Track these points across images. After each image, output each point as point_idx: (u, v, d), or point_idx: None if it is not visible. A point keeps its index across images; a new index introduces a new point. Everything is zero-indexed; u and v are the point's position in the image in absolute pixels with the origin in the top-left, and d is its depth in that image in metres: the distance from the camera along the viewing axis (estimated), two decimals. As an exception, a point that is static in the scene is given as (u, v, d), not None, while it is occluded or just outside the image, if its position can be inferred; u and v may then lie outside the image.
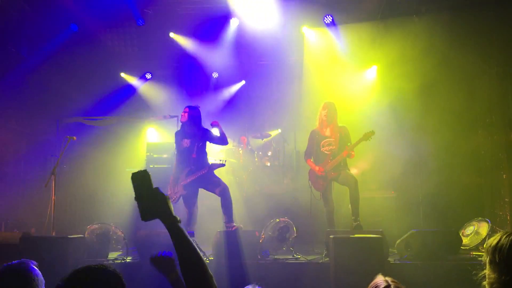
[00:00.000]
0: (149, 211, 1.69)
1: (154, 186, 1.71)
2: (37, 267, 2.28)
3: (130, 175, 1.69)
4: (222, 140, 6.00)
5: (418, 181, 7.48)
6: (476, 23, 7.45)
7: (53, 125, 8.36)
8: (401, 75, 7.71)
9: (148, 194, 1.70)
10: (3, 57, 7.89)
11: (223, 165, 5.87)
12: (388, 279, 2.20)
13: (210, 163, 5.93)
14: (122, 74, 9.39)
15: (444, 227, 6.75)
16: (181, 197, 5.94)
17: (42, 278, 2.26)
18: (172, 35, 8.88)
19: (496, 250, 1.88)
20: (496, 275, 1.86)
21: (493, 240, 1.92)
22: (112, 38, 8.85)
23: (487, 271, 1.91)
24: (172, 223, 1.70)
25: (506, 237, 1.89)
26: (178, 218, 1.71)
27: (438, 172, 7.42)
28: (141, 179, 1.71)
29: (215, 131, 6.00)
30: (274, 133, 8.91)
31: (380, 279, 2.18)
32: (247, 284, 2.47)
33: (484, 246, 1.99)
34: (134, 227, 6.51)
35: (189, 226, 5.75)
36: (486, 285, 1.90)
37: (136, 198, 1.68)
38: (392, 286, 2.12)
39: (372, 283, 2.20)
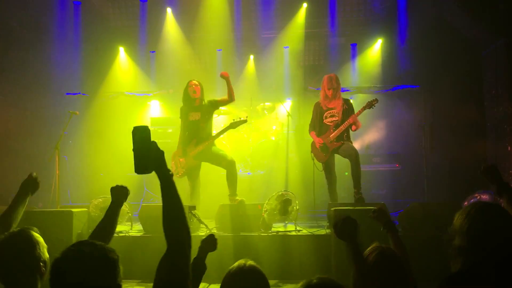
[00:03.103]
0: (144, 164, 1.77)
1: (164, 160, 1.82)
2: (38, 233, 2.32)
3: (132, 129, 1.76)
4: (229, 96, 5.97)
5: (422, 153, 7.44)
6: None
7: (56, 100, 8.39)
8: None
9: (146, 147, 1.77)
10: (5, 32, 7.86)
11: (245, 121, 5.97)
12: (383, 245, 2.28)
13: (231, 121, 6.01)
14: (122, 48, 9.34)
15: (448, 199, 6.76)
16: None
17: (44, 243, 2.30)
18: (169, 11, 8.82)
19: (457, 219, 1.90)
20: (457, 243, 1.87)
21: (460, 211, 1.94)
22: (114, 12, 8.78)
23: (456, 240, 1.92)
24: (166, 175, 1.80)
25: (467, 207, 1.92)
26: (171, 172, 1.82)
27: (442, 145, 7.40)
28: (141, 134, 1.78)
29: (225, 83, 5.97)
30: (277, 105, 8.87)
31: (375, 244, 2.27)
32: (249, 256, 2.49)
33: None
34: (139, 201, 6.59)
35: (192, 199, 5.81)
36: (451, 255, 1.92)
37: (134, 150, 1.76)
38: (386, 251, 2.22)
39: (368, 249, 2.28)
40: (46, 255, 2.24)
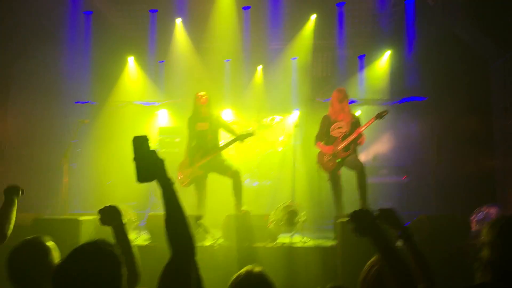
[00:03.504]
0: (145, 173, 1.78)
1: (165, 169, 1.80)
2: (51, 241, 2.37)
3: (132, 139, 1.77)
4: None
5: (430, 165, 7.41)
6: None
7: (66, 108, 8.48)
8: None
9: (146, 156, 1.78)
10: (17, 41, 7.97)
11: (251, 134, 6.01)
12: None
13: (238, 134, 6.05)
14: (131, 58, 9.42)
15: (455, 212, 6.70)
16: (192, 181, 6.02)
17: (57, 249, 2.35)
18: (178, 22, 8.93)
19: (488, 232, 1.90)
20: (486, 256, 1.89)
21: (489, 223, 1.94)
22: (124, 22, 8.90)
23: (485, 252, 1.93)
24: (167, 184, 1.79)
25: (499, 220, 1.92)
26: (173, 180, 1.80)
27: (450, 157, 7.36)
28: (140, 143, 1.79)
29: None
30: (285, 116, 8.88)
31: (376, 258, 2.22)
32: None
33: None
34: (146, 209, 6.61)
35: (198, 209, 5.82)
36: (478, 266, 1.92)
37: (135, 160, 1.77)
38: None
39: (369, 262, 2.24)
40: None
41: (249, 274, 2.12)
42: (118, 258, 1.62)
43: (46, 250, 2.30)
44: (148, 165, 1.78)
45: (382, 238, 1.94)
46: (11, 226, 2.78)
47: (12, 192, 2.92)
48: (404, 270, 1.89)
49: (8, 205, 2.83)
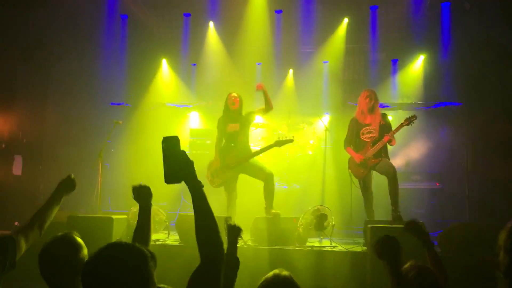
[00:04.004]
0: (174, 174, 1.77)
1: (195, 170, 1.80)
2: (79, 237, 2.42)
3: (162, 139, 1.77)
4: (267, 105, 6.02)
5: (464, 172, 7.24)
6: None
7: (101, 109, 8.70)
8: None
9: (175, 157, 1.77)
10: (56, 43, 8.25)
11: (291, 141, 5.96)
12: (420, 264, 2.24)
13: (277, 139, 6.04)
14: (165, 60, 9.58)
15: (490, 221, 6.53)
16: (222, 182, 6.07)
17: (85, 246, 2.39)
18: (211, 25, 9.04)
19: (507, 239, 1.85)
20: (507, 260, 1.83)
21: (505, 230, 1.89)
22: (158, 25, 9.08)
23: (500, 258, 1.88)
24: (196, 186, 1.78)
25: None
26: (202, 184, 1.79)
27: (485, 165, 7.18)
28: (170, 144, 1.79)
29: (261, 95, 6.05)
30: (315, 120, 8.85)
31: (412, 263, 2.23)
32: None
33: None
34: (177, 210, 6.70)
35: (228, 210, 5.86)
36: (500, 273, 1.87)
37: (163, 160, 1.77)
38: (423, 270, 2.18)
39: (405, 266, 2.25)
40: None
41: (276, 277, 2.13)
42: (147, 257, 1.60)
43: (77, 246, 2.32)
44: (177, 166, 1.76)
45: (395, 266, 2.18)
46: (48, 223, 2.80)
47: (65, 187, 2.82)
48: None
49: (54, 200, 2.76)
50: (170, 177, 1.78)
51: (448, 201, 7.63)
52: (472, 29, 7.98)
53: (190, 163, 1.80)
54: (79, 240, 2.39)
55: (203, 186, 1.81)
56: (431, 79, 8.74)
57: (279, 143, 5.97)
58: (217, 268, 1.77)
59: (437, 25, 8.54)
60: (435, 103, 8.49)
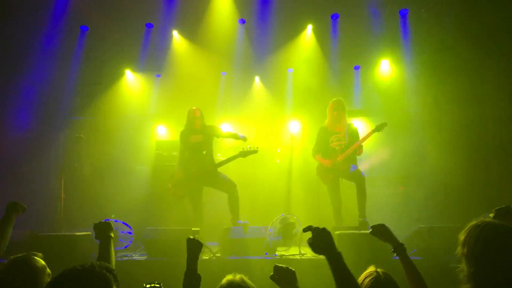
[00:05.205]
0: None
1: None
2: (42, 259, 2.33)
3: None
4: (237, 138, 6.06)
5: (426, 176, 7.40)
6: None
7: (63, 123, 8.48)
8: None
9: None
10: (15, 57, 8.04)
11: (255, 151, 5.93)
12: (379, 270, 2.25)
13: (241, 150, 6.01)
14: (128, 71, 9.44)
15: (452, 223, 6.68)
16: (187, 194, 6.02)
17: (48, 270, 2.30)
18: (175, 34, 8.98)
19: (464, 243, 1.87)
20: (466, 267, 1.86)
21: (463, 233, 1.91)
22: (119, 36, 8.95)
23: (461, 264, 1.91)
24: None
25: (474, 229, 1.88)
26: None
27: (446, 167, 7.36)
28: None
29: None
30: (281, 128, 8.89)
31: (371, 269, 2.24)
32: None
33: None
34: (142, 224, 6.57)
35: (194, 221, 5.81)
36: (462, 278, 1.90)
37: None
38: (381, 276, 2.18)
39: (364, 273, 2.25)
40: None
41: (230, 282, 2.12)
42: (110, 282, 1.57)
43: (37, 270, 2.24)
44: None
45: (337, 258, 2.04)
46: (6, 243, 2.75)
47: (13, 208, 2.93)
48: None
49: (6, 222, 2.82)
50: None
51: (413, 205, 7.75)
52: (431, 35, 8.14)
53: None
54: (41, 261, 2.31)
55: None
56: (392, 85, 8.90)
57: (244, 154, 5.98)
58: None
59: (397, 32, 8.75)
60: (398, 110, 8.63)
